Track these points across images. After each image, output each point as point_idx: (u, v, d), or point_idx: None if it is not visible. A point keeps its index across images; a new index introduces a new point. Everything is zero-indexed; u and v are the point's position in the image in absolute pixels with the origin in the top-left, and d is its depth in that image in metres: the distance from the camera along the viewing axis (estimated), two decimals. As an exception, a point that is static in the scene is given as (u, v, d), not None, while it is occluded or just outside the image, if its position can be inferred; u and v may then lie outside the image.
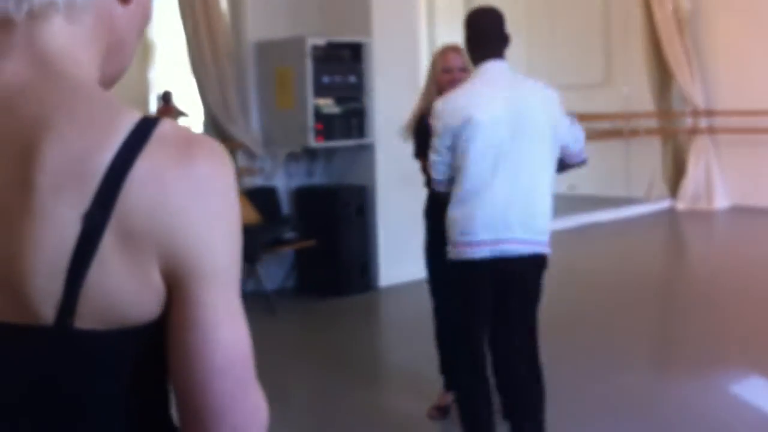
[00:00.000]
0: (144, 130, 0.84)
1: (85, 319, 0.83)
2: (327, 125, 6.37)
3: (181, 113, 11.55)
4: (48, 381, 0.86)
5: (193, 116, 10.48)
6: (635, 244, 8.90)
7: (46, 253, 0.81)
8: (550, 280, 7.14)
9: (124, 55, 1.00)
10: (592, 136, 10.51)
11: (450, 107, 3.12)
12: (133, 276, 0.83)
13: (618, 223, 9.74)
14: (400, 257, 6.68)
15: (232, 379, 0.86)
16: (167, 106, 11.65)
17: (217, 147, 0.88)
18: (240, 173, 6.37)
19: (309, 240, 6.55)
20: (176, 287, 0.85)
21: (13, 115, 0.85)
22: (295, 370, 4.95)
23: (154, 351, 0.88)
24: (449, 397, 4.08)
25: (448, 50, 3.94)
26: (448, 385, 4.08)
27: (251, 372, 0.89)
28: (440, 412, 4.11)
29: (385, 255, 6.72)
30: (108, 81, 0.99)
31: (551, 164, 3.21)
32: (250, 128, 6.63)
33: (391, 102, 6.14)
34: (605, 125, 10.67)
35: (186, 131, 0.88)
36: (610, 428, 3.95)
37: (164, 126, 0.86)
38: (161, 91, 11.96)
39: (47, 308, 0.82)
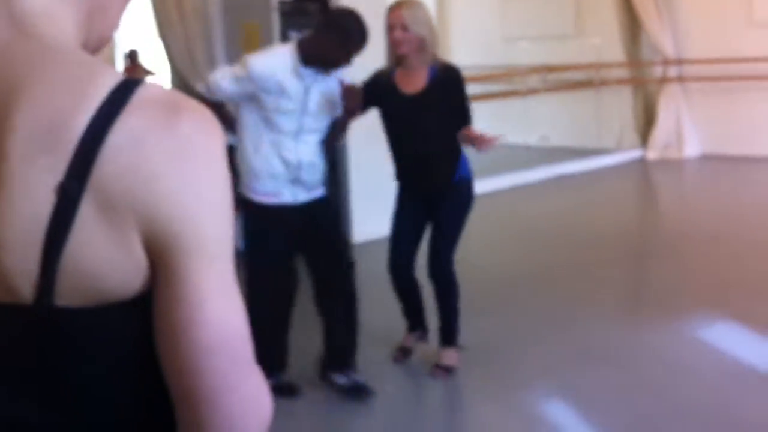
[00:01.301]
0: (124, 92, 0.79)
1: (66, 296, 0.79)
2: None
3: (148, 72, 11.41)
4: (36, 360, 0.82)
5: (161, 75, 10.36)
6: (607, 193, 8.96)
7: (20, 227, 0.76)
8: (522, 231, 7.21)
9: (108, 20, 0.94)
10: (563, 87, 10.59)
11: None
12: (113, 248, 0.78)
13: (590, 173, 9.78)
14: (373, 213, 6.68)
15: (224, 359, 0.80)
16: (134, 65, 11.49)
17: (204, 111, 0.83)
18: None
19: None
20: (160, 260, 0.80)
21: None
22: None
23: (148, 330, 0.82)
24: (411, 339, 4.32)
25: (392, 6, 3.89)
26: (411, 327, 4.31)
27: (248, 355, 0.83)
28: (403, 353, 4.30)
29: (357, 211, 6.71)
30: (91, 47, 0.93)
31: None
32: (219, 86, 6.55)
33: (359, 56, 6.06)
34: (577, 76, 10.67)
35: (170, 94, 0.82)
36: (580, 375, 4.01)
37: (147, 88, 0.80)
38: (127, 50, 11.79)
39: (26, 286, 0.78)
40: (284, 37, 6.20)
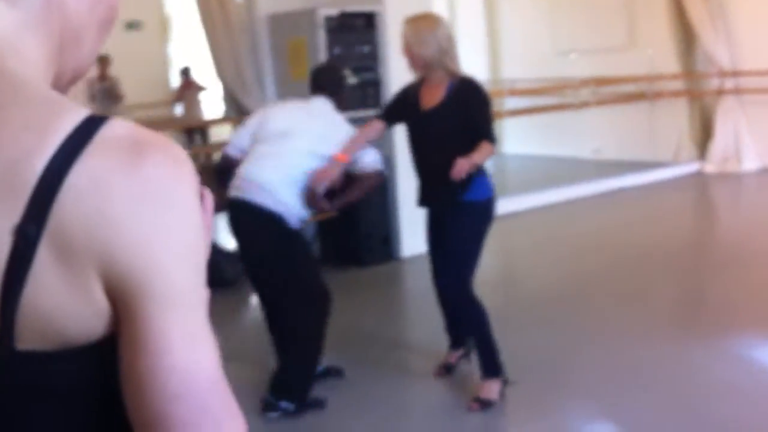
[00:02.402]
0: (87, 131, 0.75)
1: (26, 340, 0.76)
2: (343, 96, 6.32)
3: (201, 88, 11.61)
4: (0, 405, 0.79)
5: (213, 90, 10.52)
6: (662, 208, 8.77)
7: None
8: (573, 246, 7.08)
9: (82, 52, 0.89)
10: (616, 99, 10.43)
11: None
12: (72, 293, 0.75)
13: (645, 187, 9.59)
14: (420, 227, 6.63)
15: (190, 408, 0.76)
16: (188, 81, 11.73)
17: (173, 150, 0.78)
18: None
19: (330, 211, 6.51)
20: (122, 306, 0.76)
21: None
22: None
23: (114, 374, 0.79)
24: (454, 356, 4.27)
25: (403, 23, 3.95)
26: (453, 344, 4.27)
27: (221, 402, 0.78)
28: (445, 369, 4.26)
29: (406, 225, 6.67)
30: (66, 80, 0.89)
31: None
32: (266, 101, 6.60)
33: (406, 71, 6.06)
34: (630, 88, 10.51)
35: (138, 131, 0.77)
36: (624, 396, 3.92)
37: (112, 126, 0.76)
38: (182, 66, 12.04)
39: None
40: (330, 53, 6.22)
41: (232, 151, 4.08)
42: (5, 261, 0.74)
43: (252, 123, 4.06)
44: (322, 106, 4.07)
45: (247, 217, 3.87)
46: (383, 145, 6.57)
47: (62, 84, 0.88)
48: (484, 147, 3.67)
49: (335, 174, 3.87)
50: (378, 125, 4.08)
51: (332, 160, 3.88)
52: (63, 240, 0.73)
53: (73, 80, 0.91)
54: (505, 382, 3.92)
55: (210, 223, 0.91)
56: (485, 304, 3.91)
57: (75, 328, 0.76)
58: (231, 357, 4.93)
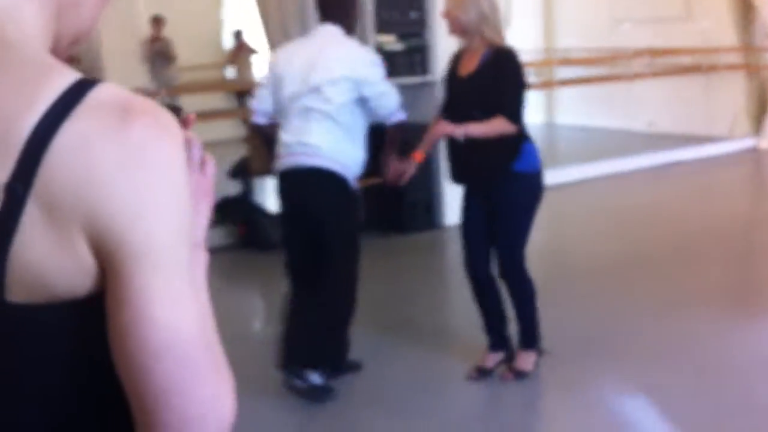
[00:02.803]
0: (76, 93, 0.78)
1: (16, 292, 0.80)
2: (389, 62, 6.29)
3: (252, 51, 11.69)
4: None
5: (265, 54, 10.57)
6: (716, 183, 8.62)
7: None
8: (623, 219, 6.98)
9: (82, 16, 0.91)
10: (671, 71, 10.21)
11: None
12: (58, 250, 0.78)
13: (698, 161, 9.43)
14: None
15: (174, 362, 0.79)
16: (240, 44, 11.82)
17: (160, 115, 0.81)
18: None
19: (373, 177, 6.53)
20: (107, 265, 0.79)
21: None
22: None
23: (102, 329, 0.82)
24: (492, 359, 3.96)
25: None
26: (492, 345, 3.97)
27: (204, 359, 0.81)
28: (480, 372, 3.94)
29: (450, 193, 6.66)
30: (66, 43, 0.92)
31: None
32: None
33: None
34: (685, 60, 10.28)
35: (126, 96, 0.80)
36: (672, 370, 3.89)
37: (100, 90, 0.79)
38: (234, 29, 12.14)
39: None
40: (378, 19, 6.19)
41: (261, 119, 3.91)
42: None
43: (268, 84, 3.85)
44: (330, 40, 3.77)
45: (308, 182, 3.73)
46: (426, 112, 6.56)
47: (62, 47, 0.91)
48: (494, 121, 3.53)
49: (412, 170, 3.86)
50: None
51: (409, 160, 3.81)
52: (49, 198, 0.77)
53: (74, 43, 0.93)
54: (540, 353, 3.93)
55: (211, 188, 0.95)
56: (531, 273, 3.83)
57: (62, 283, 0.80)
58: (273, 319, 5.01)
